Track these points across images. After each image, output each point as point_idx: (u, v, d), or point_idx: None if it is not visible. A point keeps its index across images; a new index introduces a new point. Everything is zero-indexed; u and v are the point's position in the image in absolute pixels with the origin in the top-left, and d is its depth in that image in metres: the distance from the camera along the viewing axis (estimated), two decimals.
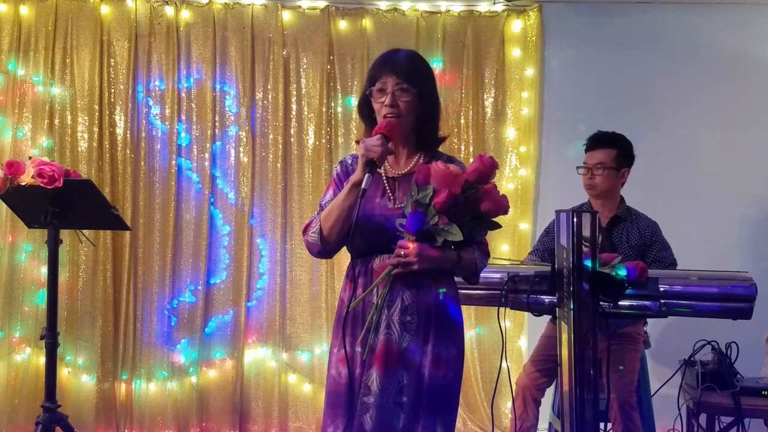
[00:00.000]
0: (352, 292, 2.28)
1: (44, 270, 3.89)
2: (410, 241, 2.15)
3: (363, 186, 2.13)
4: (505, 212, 2.22)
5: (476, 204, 2.18)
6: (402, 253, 2.15)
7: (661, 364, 3.89)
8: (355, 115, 4.62)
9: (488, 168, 2.18)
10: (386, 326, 2.21)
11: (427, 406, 2.21)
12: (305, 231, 2.32)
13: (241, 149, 4.61)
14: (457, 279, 2.36)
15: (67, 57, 4.53)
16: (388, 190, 2.30)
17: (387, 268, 2.19)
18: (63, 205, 2.98)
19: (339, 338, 2.28)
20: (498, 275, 2.88)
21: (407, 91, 2.27)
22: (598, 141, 3.59)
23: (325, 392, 2.33)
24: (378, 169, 2.25)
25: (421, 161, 2.33)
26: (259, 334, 4.61)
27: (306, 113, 4.65)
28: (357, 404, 2.21)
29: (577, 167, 3.60)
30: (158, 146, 4.59)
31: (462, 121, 4.65)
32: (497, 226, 2.25)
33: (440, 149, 2.42)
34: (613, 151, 3.52)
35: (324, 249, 2.29)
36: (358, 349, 2.23)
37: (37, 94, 4.52)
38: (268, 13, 4.63)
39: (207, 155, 4.59)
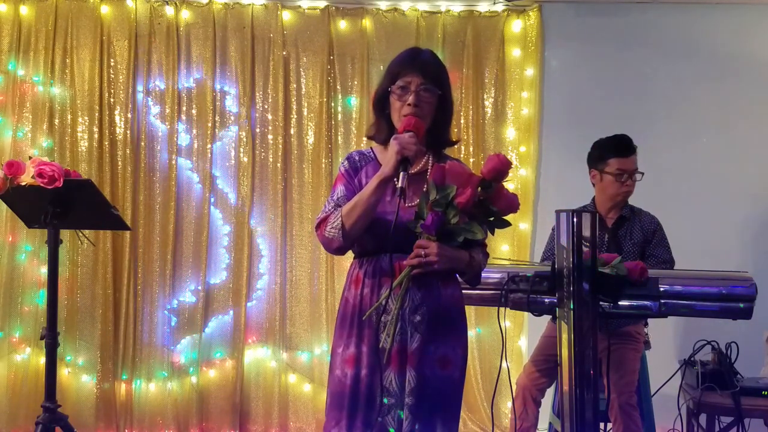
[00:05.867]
0: (360, 292, 2.26)
1: (44, 270, 3.89)
2: (430, 240, 2.14)
3: (400, 185, 2.10)
4: (516, 210, 2.21)
5: (490, 203, 2.18)
6: (422, 252, 2.14)
7: (661, 364, 3.87)
8: (355, 114, 4.63)
9: (505, 166, 2.18)
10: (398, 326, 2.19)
11: (431, 405, 2.20)
12: (320, 226, 2.27)
13: (241, 149, 4.61)
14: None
15: (67, 57, 4.53)
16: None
17: (405, 269, 2.16)
18: (63, 205, 2.97)
19: (344, 338, 2.26)
20: (498, 275, 2.87)
21: (431, 92, 2.27)
22: (630, 146, 3.50)
23: (328, 392, 2.30)
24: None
25: (431, 161, 2.32)
26: (259, 334, 4.61)
27: (306, 113, 4.65)
28: (374, 406, 2.18)
29: (614, 174, 3.45)
30: (158, 146, 4.59)
31: (462, 121, 4.65)
32: (508, 224, 2.24)
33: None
34: (636, 154, 3.51)
35: (344, 244, 2.24)
36: (364, 349, 2.22)
37: (37, 94, 4.52)
38: (268, 13, 4.63)
39: (207, 155, 4.59)
